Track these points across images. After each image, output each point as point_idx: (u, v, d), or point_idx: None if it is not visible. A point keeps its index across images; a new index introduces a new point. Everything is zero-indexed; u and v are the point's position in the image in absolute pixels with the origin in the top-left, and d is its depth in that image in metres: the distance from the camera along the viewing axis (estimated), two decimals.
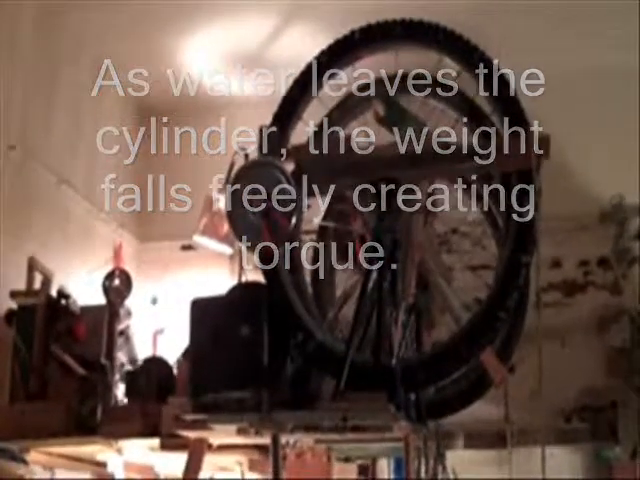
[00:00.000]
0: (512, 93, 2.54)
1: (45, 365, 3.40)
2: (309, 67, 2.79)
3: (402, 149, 2.63)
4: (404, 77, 2.96)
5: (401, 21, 2.70)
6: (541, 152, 2.46)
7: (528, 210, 2.45)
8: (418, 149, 2.61)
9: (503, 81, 2.56)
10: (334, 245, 3.09)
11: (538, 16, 4.31)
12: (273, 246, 2.50)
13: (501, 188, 2.61)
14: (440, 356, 2.55)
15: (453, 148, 2.59)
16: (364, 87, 2.98)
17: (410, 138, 2.78)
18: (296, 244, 2.86)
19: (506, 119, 2.53)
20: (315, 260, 3.18)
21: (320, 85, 2.81)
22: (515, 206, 2.47)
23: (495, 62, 2.59)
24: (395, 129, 2.82)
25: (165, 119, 5.21)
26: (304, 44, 4.18)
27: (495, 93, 2.56)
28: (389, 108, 2.87)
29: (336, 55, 2.78)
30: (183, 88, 4.99)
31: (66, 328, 3.46)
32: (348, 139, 2.64)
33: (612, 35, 4.42)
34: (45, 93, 4.25)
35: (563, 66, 4.62)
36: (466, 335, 2.51)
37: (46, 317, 3.48)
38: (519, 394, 4.03)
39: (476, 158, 2.52)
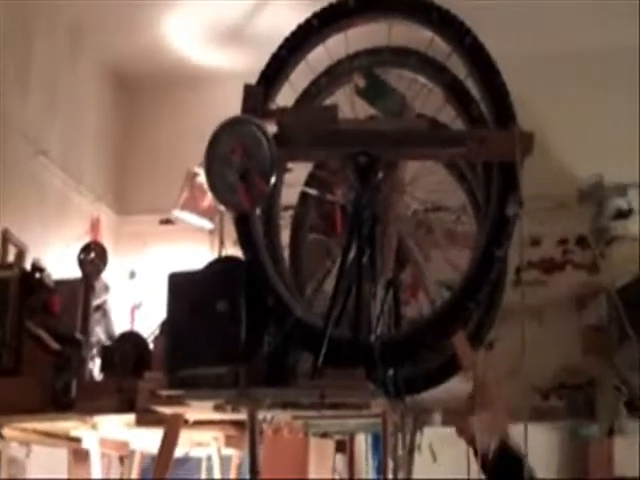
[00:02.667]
0: (501, 84, 2.50)
1: (19, 340, 3.34)
2: (300, 28, 2.73)
3: (384, 125, 2.59)
4: (395, 51, 2.91)
5: None
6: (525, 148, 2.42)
7: (507, 204, 2.42)
8: (401, 127, 2.57)
9: (493, 70, 2.50)
10: (315, 214, 3.08)
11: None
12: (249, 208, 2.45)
13: (482, 177, 2.58)
14: (414, 336, 2.54)
15: (438, 131, 2.56)
16: (353, 56, 2.93)
17: (390, 114, 2.77)
18: (274, 212, 2.83)
19: (493, 109, 2.49)
20: (295, 231, 3.15)
21: (310, 48, 2.74)
22: (494, 198, 2.44)
23: (487, 50, 2.53)
24: (374, 103, 2.80)
25: (145, 91, 5.15)
26: (286, 18, 4.10)
27: (484, 81, 2.52)
28: (369, 81, 2.84)
29: (329, 20, 2.71)
30: (164, 60, 4.92)
31: (40, 302, 3.40)
32: (333, 108, 2.59)
33: (593, 17, 4.41)
34: (20, 62, 4.16)
35: (545, 47, 4.62)
36: (434, 321, 2.50)
37: (20, 291, 3.42)
38: (497, 371, 4.07)
39: (460, 144, 2.49)
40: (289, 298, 2.61)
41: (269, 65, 2.74)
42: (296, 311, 2.55)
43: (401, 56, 2.91)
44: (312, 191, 3.04)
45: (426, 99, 2.80)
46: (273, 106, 2.68)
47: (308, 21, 2.74)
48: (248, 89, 2.62)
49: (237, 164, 2.40)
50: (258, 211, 2.74)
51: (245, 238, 2.65)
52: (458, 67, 2.62)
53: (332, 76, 2.95)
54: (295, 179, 2.92)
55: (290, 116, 2.60)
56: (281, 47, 2.75)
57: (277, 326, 2.56)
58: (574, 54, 4.64)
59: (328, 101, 2.93)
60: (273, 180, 2.40)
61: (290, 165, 2.74)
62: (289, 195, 2.99)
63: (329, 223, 3.08)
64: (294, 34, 2.75)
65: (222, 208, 3.66)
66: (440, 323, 2.49)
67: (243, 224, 2.66)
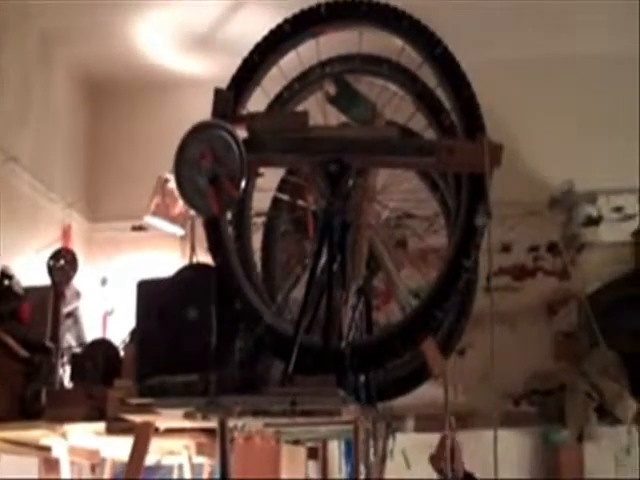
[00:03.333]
0: (471, 96, 2.50)
1: None
2: (272, 33, 2.73)
3: (354, 132, 2.60)
4: (366, 59, 2.91)
5: (367, 2, 2.63)
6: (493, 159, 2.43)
7: (476, 214, 2.43)
8: (371, 135, 2.58)
9: (463, 82, 2.51)
10: (287, 219, 3.07)
11: (489, 6, 4.32)
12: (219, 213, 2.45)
13: (453, 187, 2.59)
14: (385, 343, 2.55)
15: (408, 140, 2.57)
16: (325, 63, 2.94)
17: (361, 121, 2.77)
18: (245, 217, 2.82)
19: (463, 120, 2.49)
20: (266, 236, 3.15)
21: (282, 53, 2.74)
22: (463, 209, 2.45)
23: (457, 61, 2.55)
24: (345, 110, 2.81)
25: (116, 97, 5.12)
26: (256, 25, 4.10)
27: (454, 92, 2.53)
28: (340, 88, 2.84)
29: (300, 26, 2.71)
30: (134, 66, 4.89)
31: (9, 310, 3.38)
32: (304, 114, 2.59)
33: (564, 22, 4.46)
34: None
35: (514, 53, 4.66)
36: (403, 329, 2.51)
37: None
38: (469, 377, 4.09)
39: (429, 154, 2.50)
40: (259, 304, 2.60)
41: (240, 69, 2.73)
42: (266, 318, 2.54)
43: (372, 64, 2.91)
44: (284, 196, 3.04)
45: (398, 107, 2.81)
46: (244, 111, 2.67)
47: (280, 26, 2.73)
48: (219, 93, 2.61)
49: (207, 169, 2.39)
50: (229, 216, 2.74)
51: (215, 243, 2.65)
52: (429, 76, 2.63)
53: (304, 82, 2.95)
54: (267, 183, 2.92)
55: (260, 121, 2.59)
56: (252, 52, 2.74)
57: (247, 333, 2.55)
58: (544, 60, 4.68)
59: (300, 107, 2.93)
60: (243, 185, 2.39)
61: (261, 170, 2.74)
62: (261, 200, 2.98)
63: (301, 228, 3.08)
64: (266, 39, 2.74)
65: (193, 213, 3.66)
66: (408, 331, 2.49)
67: (213, 229, 2.65)
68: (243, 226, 2.86)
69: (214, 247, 2.64)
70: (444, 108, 2.66)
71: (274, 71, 2.77)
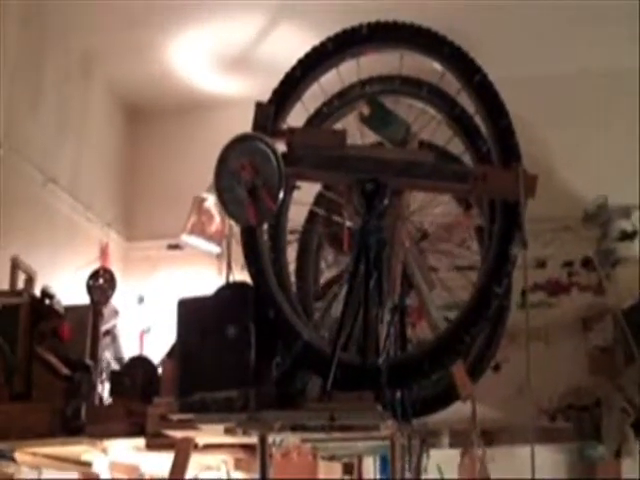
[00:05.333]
0: (508, 124, 2.51)
1: (29, 365, 3.37)
2: (315, 50, 2.77)
3: (391, 154, 2.62)
4: (406, 80, 2.94)
5: (409, 25, 2.68)
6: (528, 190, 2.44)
7: (508, 243, 2.44)
8: (407, 158, 2.60)
9: (501, 111, 2.52)
10: (323, 233, 3.11)
11: (523, 18, 4.35)
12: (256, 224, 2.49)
13: (487, 213, 2.61)
14: (417, 360, 2.57)
15: (442, 165, 2.59)
16: (365, 82, 2.97)
17: (394, 141, 2.80)
18: (281, 228, 2.86)
19: (498, 148, 2.51)
20: (302, 249, 3.18)
21: (323, 70, 2.77)
22: (496, 236, 2.46)
23: (496, 89, 2.55)
24: (378, 130, 2.84)
25: (153, 117, 5.21)
26: (293, 44, 4.18)
27: (491, 120, 2.54)
28: (373, 109, 2.87)
29: (342, 45, 2.75)
30: (171, 87, 4.99)
31: (50, 328, 3.44)
32: (342, 133, 2.63)
33: (598, 37, 4.46)
34: (31, 90, 4.23)
35: (548, 68, 4.66)
36: (431, 351, 2.53)
37: (30, 317, 3.45)
38: (503, 393, 4.08)
39: (463, 180, 2.52)
40: (297, 321, 2.63)
41: (282, 84, 2.78)
42: (304, 334, 2.58)
43: (412, 86, 2.93)
44: (320, 211, 3.08)
45: (436, 129, 2.84)
46: (284, 125, 2.71)
47: (323, 44, 2.77)
48: (260, 107, 2.65)
49: (246, 180, 2.44)
50: (265, 226, 2.79)
51: (251, 252, 2.69)
52: (468, 101, 2.65)
53: (344, 99, 2.98)
54: (304, 196, 2.95)
55: (299, 136, 2.63)
56: (295, 67, 2.78)
57: (285, 350, 2.58)
58: (578, 76, 4.68)
59: (339, 124, 2.96)
60: (281, 197, 2.44)
61: (298, 183, 2.78)
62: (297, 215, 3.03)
63: (336, 243, 3.12)
64: (308, 56, 2.78)
65: (229, 232, 3.70)
66: (437, 353, 2.51)
67: (250, 238, 2.70)
68: (279, 238, 2.90)
69: (250, 256, 2.69)
70: (481, 135, 2.68)
71: (315, 87, 2.81)
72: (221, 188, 2.49)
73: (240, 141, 2.50)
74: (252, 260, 2.70)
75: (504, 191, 2.44)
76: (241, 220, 2.55)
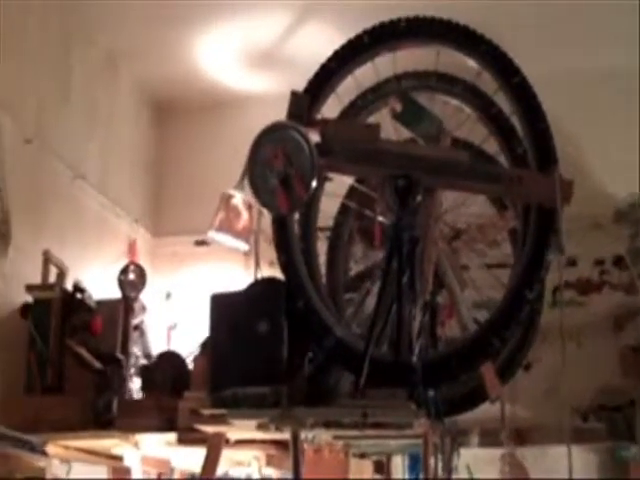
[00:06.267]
0: (545, 127, 2.49)
1: (61, 358, 3.41)
2: (350, 42, 2.76)
3: (425, 151, 2.60)
4: (442, 77, 2.93)
5: (448, 21, 2.65)
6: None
7: (541, 249, 2.41)
8: (441, 156, 2.58)
9: (539, 113, 2.51)
10: (354, 226, 3.10)
11: (551, 16, 4.30)
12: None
13: (521, 216, 2.58)
14: (449, 359, 2.55)
15: (477, 165, 2.57)
16: (400, 76, 2.96)
17: (426, 137, 2.78)
18: (312, 218, 2.85)
19: (535, 151, 2.49)
20: (333, 241, 3.17)
21: (359, 63, 2.77)
22: (530, 240, 2.44)
23: (534, 91, 2.52)
24: (410, 127, 2.82)
25: (180, 114, 5.23)
26: (319, 41, 4.18)
27: (528, 122, 2.51)
28: (405, 105, 2.86)
29: (378, 38, 2.74)
30: (198, 84, 4.99)
31: (82, 322, 3.47)
32: (375, 127, 2.62)
33: (630, 33, 4.40)
34: (60, 89, 4.25)
35: (579, 64, 4.61)
36: (460, 352, 2.53)
37: (62, 311, 3.50)
38: (535, 392, 4.05)
39: (497, 181, 2.50)
40: (328, 317, 2.62)
41: (317, 75, 2.77)
42: (337, 331, 2.57)
43: (448, 83, 2.92)
44: (351, 204, 3.07)
45: (472, 128, 2.81)
46: (318, 116, 2.70)
47: (359, 37, 2.77)
48: (294, 96, 2.65)
49: (278, 168, 2.44)
50: (296, 216, 2.78)
51: (281, 241, 2.69)
52: (505, 101, 2.62)
53: (378, 93, 2.97)
54: (336, 188, 2.94)
55: (333, 128, 2.62)
56: (330, 59, 2.78)
57: (317, 346, 2.58)
58: (608, 71, 4.63)
59: (373, 117, 2.95)
60: (313, 187, 2.43)
61: (331, 175, 2.77)
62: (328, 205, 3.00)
63: (367, 237, 3.11)
64: (344, 47, 2.78)
65: (260, 221, 3.70)
66: (466, 355, 2.51)
67: (280, 227, 2.70)
68: (309, 227, 2.90)
69: (280, 245, 2.69)
70: (517, 136, 2.66)
71: (350, 79, 2.80)
72: (253, 175, 2.49)
73: (274, 129, 2.49)
74: (282, 249, 2.70)
75: (540, 196, 2.42)
76: (272, 208, 2.54)
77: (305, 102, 2.63)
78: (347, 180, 2.94)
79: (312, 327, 2.60)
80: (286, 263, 2.67)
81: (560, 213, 2.38)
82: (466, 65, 2.68)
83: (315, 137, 2.56)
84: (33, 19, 3.99)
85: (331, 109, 2.85)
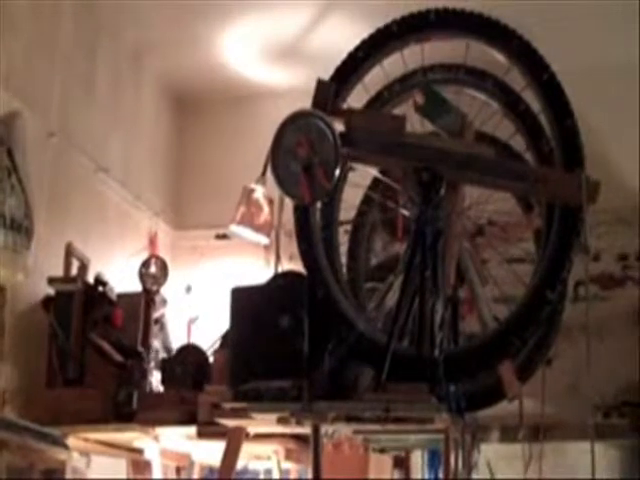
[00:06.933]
0: (573, 126, 2.46)
1: (82, 351, 3.42)
2: (379, 32, 2.73)
3: (450, 145, 2.58)
4: (471, 71, 2.88)
5: (479, 15, 2.61)
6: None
7: (565, 249, 2.38)
8: (466, 151, 2.55)
9: (567, 112, 2.47)
10: (377, 217, 3.09)
11: (582, 9, 4.26)
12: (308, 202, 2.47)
13: (545, 216, 2.55)
14: (470, 354, 2.54)
15: (502, 162, 2.55)
16: (428, 68, 2.92)
17: (449, 131, 2.75)
18: (334, 208, 2.83)
19: (562, 150, 2.46)
20: (355, 232, 3.15)
21: (387, 53, 2.74)
22: (553, 240, 2.41)
23: (563, 89, 2.49)
24: (433, 120, 2.80)
25: (201, 108, 5.23)
26: (342, 36, 4.16)
27: (556, 121, 2.48)
28: (428, 98, 2.83)
29: (407, 29, 2.70)
30: (220, 78, 4.99)
31: (103, 315, 3.48)
32: (401, 119, 2.59)
33: None
34: (84, 82, 4.27)
35: (600, 57, 4.56)
36: (479, 350, 2.52)
37: (83, 303, 3.51)
38: (556, 388, 4.01)
39: (522, 179, 2.47)
40: (351, 311, 2.61)
41: (344, 64, 2.74)
42: (359, 325, 2.56)
43: (477, 77, 2.87)
44: (375, 195, 3.05)
45: (499, 124, 2.78)
46: (344, 105, 2.67)
47: (388, 27, 2.73)
48: (320, 84, 2.62)
49: (302, 157, 2.42)
50: (318, 205, 2.76)
51: (302, 229, 2.68)
52: (533, 98, 2.59)
53: (405, 85, 2.94)
54: (360, 179, 2.91)
55: (359, 118, 2.60)
56: (358, 48, 2.75)
57: (339, 340, 2.57)
58: (634, 66, 4.58)
59: (399, 109, 2.92)
60: (336, 176, 2.41)
61: (354, 165, 2.75)
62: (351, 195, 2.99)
63: (389, 228, 3.09)
64: (372, 37, 2.74)
65: (282, 214, 3.70)
66: (485, 353, 2.49)
67: (302, 216, 2.69)
68: (331, 217, 2.88)
69: (301, 233, 2.67)
70: (545, 134, 2.62)
71: (377, 69, 2.77)
72: (276, 163, 2.47)
73: (298, 117, 2.47)
74: (303, 237, 2.68)
75: (565, 196, 2.39)
76: (295, 197, 2.52)
77: (331, 91, 2.60)
78: (371, 171, 2.92)
79: (333, 320, 2.58)
80: (306, 252, 2.65)
81: (586, 214, 2.34)
82: (491, 59, 2.64)
83: (340, 126, 2.54)
84: (65, 17, 4.03)
85: (358, 99, 2.82)
